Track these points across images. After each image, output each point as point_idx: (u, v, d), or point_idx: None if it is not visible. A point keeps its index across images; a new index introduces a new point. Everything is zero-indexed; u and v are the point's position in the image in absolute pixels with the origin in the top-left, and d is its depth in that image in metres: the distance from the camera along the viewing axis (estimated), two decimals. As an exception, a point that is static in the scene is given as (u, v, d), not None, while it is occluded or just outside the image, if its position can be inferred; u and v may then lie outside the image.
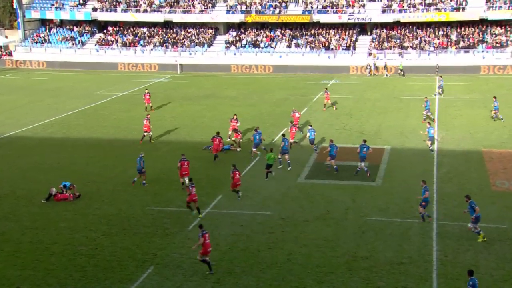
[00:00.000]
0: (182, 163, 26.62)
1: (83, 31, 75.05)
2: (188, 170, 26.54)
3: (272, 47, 67.50)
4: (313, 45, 66.35)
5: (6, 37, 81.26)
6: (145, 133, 34.66)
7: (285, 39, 68.25)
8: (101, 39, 72.47)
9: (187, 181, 25.55)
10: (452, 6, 64.27)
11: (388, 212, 23.69)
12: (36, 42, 73.49)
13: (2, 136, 36.94)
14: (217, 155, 30.75)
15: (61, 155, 32.48)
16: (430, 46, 63.25)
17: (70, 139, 36.11)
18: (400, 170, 28.93)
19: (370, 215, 23.45)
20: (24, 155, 32.66)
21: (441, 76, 50.13)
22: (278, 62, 64.80)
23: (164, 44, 70.16)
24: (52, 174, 28.80)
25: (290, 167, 29.18)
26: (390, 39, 65.47)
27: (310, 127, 32.90)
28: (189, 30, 72.72)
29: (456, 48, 62.18)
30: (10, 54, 73.88)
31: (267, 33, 70.06)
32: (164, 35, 72.19)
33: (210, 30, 72.12)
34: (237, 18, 69.71)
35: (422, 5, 65.27)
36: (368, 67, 60.61)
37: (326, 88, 44.84)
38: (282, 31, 69.91)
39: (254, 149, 31.20)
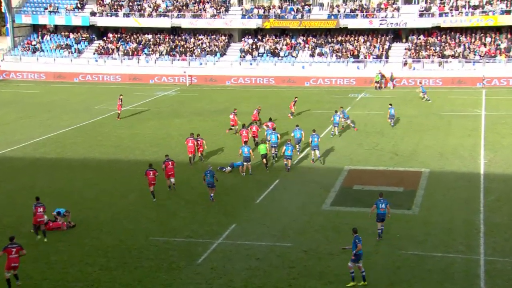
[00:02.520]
0: (166, 164, 29.55)
1: (80, 38, 76.33)
2: (174, 171, 29.57)
3: (293, 56, 67.99)
4: (340, 54, 66.69)
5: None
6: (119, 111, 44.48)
7: (308, 47, 68.75)
8: (101, 47, 73.60)
9: (172, 181, 29.55)
10: (502, 8, 64.02)
11: (426, 245, 23.56)
12: (27, 51, 74.85)
13: (-13, 157, 37.43)
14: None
15: (54, 178, 32.89)
16: (475, 54, 63.16)
17: (64, 160, 36.59)
18: (440, 197, 28.79)
19: (405, 248, 23.33)
20: (12, 178, 33.12)
21: (420, 82, 55.66)
22: (300, 73, 65.22)
23: (171, 53, 71.04)
24: (44, 199, 28.93)
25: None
26: (428, 47, 65.57)
27: (297, 127, 35.72)
28: (199, 37, 73.62)
29: (506, 57, 61.96)
30: (-3, 64, 75.11)
31: (288, 40, 70.65)
32: (172, 43, 73.12)
33: (223, 37, 72.92)
34: (253, 23, 70.46)
35: (466, 8, 65.27)
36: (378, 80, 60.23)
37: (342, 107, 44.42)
38: (305, 38, 70.44)
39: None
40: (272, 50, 69.07)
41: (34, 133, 43.46)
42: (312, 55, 67.51)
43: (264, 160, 33.07)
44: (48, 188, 31.16)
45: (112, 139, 41.47)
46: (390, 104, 44.47)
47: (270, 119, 39.33)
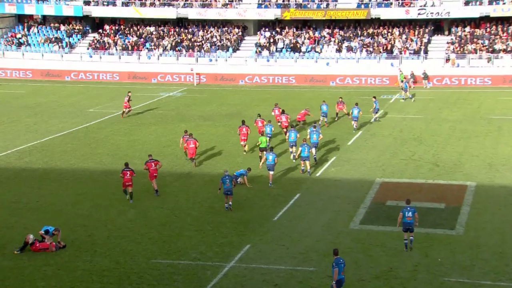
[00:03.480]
0: (149, 165, 31.40)
1: (72, 30, 77.04)
2: (157, 172, 31.47)
3: (316, 52, 68.08)
4: (371, 49, 66.63)
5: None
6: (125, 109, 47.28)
7: (334, 41, 68.79)
8: (96, 41, 74.20)
9: (155, 185, 31.48)
10: None
11: (473, 272, 23.36)
12: (11, 45, 75.63)
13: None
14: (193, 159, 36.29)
15: (42, 192, 33.03)
16: (530, 49, 62.83)
17: (53, 171, 36.76)
18: (488, 215, 28.56)
19: (448, 274, 23.15)
20: (-7, 192, 33.31)
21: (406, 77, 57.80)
22: (325, 71, 65.33)
23: (177, 48, 71.43)
24: (30, 216, 29.31)
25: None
26: (475, 40, 65.25)
27: (313, 128, 36.90)
28: (209, 30, 73.99)
29: None
30: (-23, 61, 75.87)
31: (311, 33, 70.80)
32: (177, 36, 73.55)
33: (237, 30, 73.27)
34: (271, 14, 70.73)
35: (520, -5, 64.98)
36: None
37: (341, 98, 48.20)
38: (330, 31, 70.51)
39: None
40: (292, 45, 69.24)
41: (19, 140, 43.78)
42: (338, 50, 67.54)
43: (263, 153, 35.28)
44: (34, 203, 31.29)
45: (108, 147, 41.66)
46: (374, 97, 47.48)
47: (259, 115, 41.75)
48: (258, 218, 28.57)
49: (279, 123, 42.47)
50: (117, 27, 76.62)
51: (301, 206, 29.97)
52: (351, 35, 69.45)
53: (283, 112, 42.73)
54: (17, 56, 74.15)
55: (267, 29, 72.68)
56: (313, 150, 36.04)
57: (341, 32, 69.98)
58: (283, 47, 69.53)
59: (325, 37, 69.87)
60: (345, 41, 68.63)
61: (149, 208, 29.95)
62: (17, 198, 31.98)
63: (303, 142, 34.50)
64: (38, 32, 77.60)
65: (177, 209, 29.82)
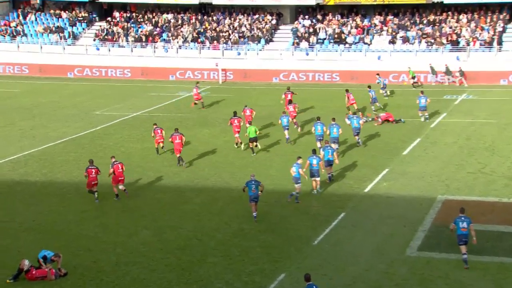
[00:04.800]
0: (115, 168, 33.75)
1: (76, 18, 77.90)
2: (124, 176, 33.86)
3: (365, 43, 67.94)
4: (432, 40, 66.31)
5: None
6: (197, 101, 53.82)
7: (387, 31, 68.59)
8: (103, 31, 74.85)
9: (121, 187, 33.92)
10: None
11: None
12: (4, 35, 76.64)
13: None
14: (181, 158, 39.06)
15: (39, 209, 33.39)
16: None
17: (53, 184, 37.17)
18: None
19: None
20: (-17, 208, 33.70)
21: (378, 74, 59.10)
22: (375, 66, 65.22)
23: (199, 39, 71.78)
24: (25, 238, 29.66)
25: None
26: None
27: (333, 123, 39.86)
28: (237, 18, 74.25)
29: None
30: (-36, 54, 76.89)
31: (358, 21, 70.70)
32: (199, 25, 73.89)
33: (270, 17, 73.41)
34: (311, -2, 70.87)
35: None
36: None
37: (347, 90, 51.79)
38: (383, 18, 70.36)
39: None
40: (336, 35, 69.17)
41: (12, 148, 44.32)
42: (392, 42, 67.35)
43: (253, 143, 40.79)
44: (30, 222, 31.61)
45: (117, 156, 41.67)
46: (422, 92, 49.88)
47: (246, 106, 46.27)
48: (295, 241, 28.58)
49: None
50: (128, 15, 77.24)
51: (346, 228, 29.93)
52: (408, 23, 69.22)
53: (290, 102, 47.85)
54: (11, 48, 75.12)
55: (306, 17, 72.76)
56: (333, 145, 38.23)
57: (396, 20, 69.76)
58: (325, 38, 69.53)
59: (376, 25, 69.73)
60: (400, 30, 68.40)
61: (166, 228, 30.14)
62: (11, 217, 32.35)
63: (325, 144, 35.87)
64: (36, 20, 78.57)
65: (199, 230, 29.92)
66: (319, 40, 69.50)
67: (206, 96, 60.29)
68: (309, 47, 68.69)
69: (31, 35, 76.29)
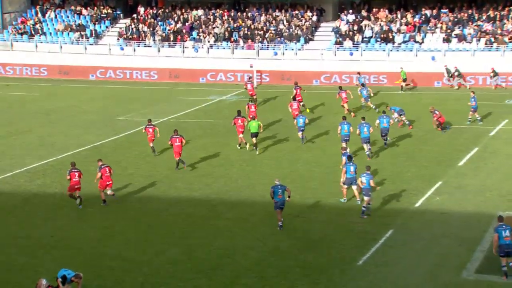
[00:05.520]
0: (103, 171, 34.99)
1: (99, 15, 78.33)
2: (112, 180, 35.05)
3: (416, 42, 67.57)
4: (492, 38, 65.75)
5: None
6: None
7: (441, 28, 68.20)
8: (128, 29, 75.25)
9: (109, 192, 35.07)
10: None
11: None
12: (21, 34, 77.31)
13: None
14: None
15: (58, 224, 33.56)
16: None
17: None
18: None
19: None
20: (-3, 222, 34.03)
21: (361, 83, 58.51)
22: (428, 68, 65.11)
23: (232, 38, 71.93)
24: (43, 256, 29.74)
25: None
26: None
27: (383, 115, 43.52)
28: (273, 14, 74.26)
29: None
30: (-22, 54, 77.61)
31: (409, 17, 70.32)
32: (233, 22, 74.03)
33: (310, 14, 73.34)
34: (356, -8, 70.78)
35: None
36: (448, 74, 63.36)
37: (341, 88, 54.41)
38: (436, 13, 69.95)
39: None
40: (383, 34, 68.92)
41: (29, 157, 44.61)
42: (447, 40, 66.97)
43: (254, 139, 43.54)
44: (48, 238, 31.76)
45: (142, 167, 42.30)
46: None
47: (250, 100, 50.20)
48: (337, 262, 28.46)
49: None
50: (155, 11, 77.55)
51: (394, 247, 29.74)
52: (464, 18, 68.79)
53: (294, 98, 51.53)
54: (29, 48, 75.70)
55: (349, 12, 72.56)
56: (365, 146, 41.22)
57: (451, 15, 69.38)
58: (371, 36, 69.37)
59: (429, 21, 69.37)
60: (455, 27, 67.99)
61: (196, 246, 30.14)
62: (27, 232, 32.47)
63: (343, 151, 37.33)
64: (55, 17, 79.17)
65: (232, 248, 29.88)
66: (364, 39, 69.34)
67: (239, 100, 60.27)
68: (354, 47, 68.60)
69: (50, 33, 76.91)
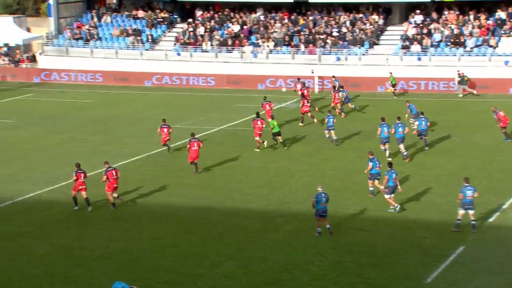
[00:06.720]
0: (109, 174, 35.81)
1: (156, 19, 78.74)
2: (118, 182, 35.97)
3: (490, 46, 66.55)
4: None
5: (29, 30, 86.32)
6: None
7: (517, 30, 67.14)
8: (185, 34, 75.41)
9: (114, 195, 36.35)
10: None
11: None
12: (77, 39, 78.17)
13: (10, 202, 38.69)
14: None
15: (112, 235, 33.66)
16: None
17: (126, 206, 37.40)
18: None
19: None
20: (47, 235, 34.04)
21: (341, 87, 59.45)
22: (501, 74, 64.42)
23: (293, 42, 71.67)
24: (96, 268, 29.83)
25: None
26: None
27: (422, 116, 45.06)
28: (336, 16, 73.86)
29: None
30: (33, 59, 78.76)
31: (482, 19, 69.25)
32: (293, 26, 73.82)
33: (375, 17, 72.75)
34: (426, -7, 70.14)
35: None
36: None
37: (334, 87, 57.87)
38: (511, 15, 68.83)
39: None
40: (455, 37, 68.00)
41: (84, 166, 44.61)
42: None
43: (280, 137, 46.08)
44: (102, 249, 31.88)
45: (199, 176, 42.07)
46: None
47: (265, 98, 53.97)
48: (403, 279, 27.98)
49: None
50: (211, 15, 77.66)
51: (466, 265, 29.10)
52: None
53: (303, 95, 53.89)
54: (84, 53, 76.60)
55: (418, 13, 71.76)
56: (401, 146, 42.61)
57: (528, 16, 68.37)
58: (441, 40, 68.58)
59: (504, 23, 68.15)
60: (532, 30, 67.04)
61: (253, 259, 29.84)
62: (81, 243, 32.60)
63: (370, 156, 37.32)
64: (111, 22, 79.84)
65: (291, 263, 29.55)
66: (433, 43, 68.54)
67: (299, 108, 59.79)
68: (422, 51, 67.85)
69: (106, 39, 77.57)
